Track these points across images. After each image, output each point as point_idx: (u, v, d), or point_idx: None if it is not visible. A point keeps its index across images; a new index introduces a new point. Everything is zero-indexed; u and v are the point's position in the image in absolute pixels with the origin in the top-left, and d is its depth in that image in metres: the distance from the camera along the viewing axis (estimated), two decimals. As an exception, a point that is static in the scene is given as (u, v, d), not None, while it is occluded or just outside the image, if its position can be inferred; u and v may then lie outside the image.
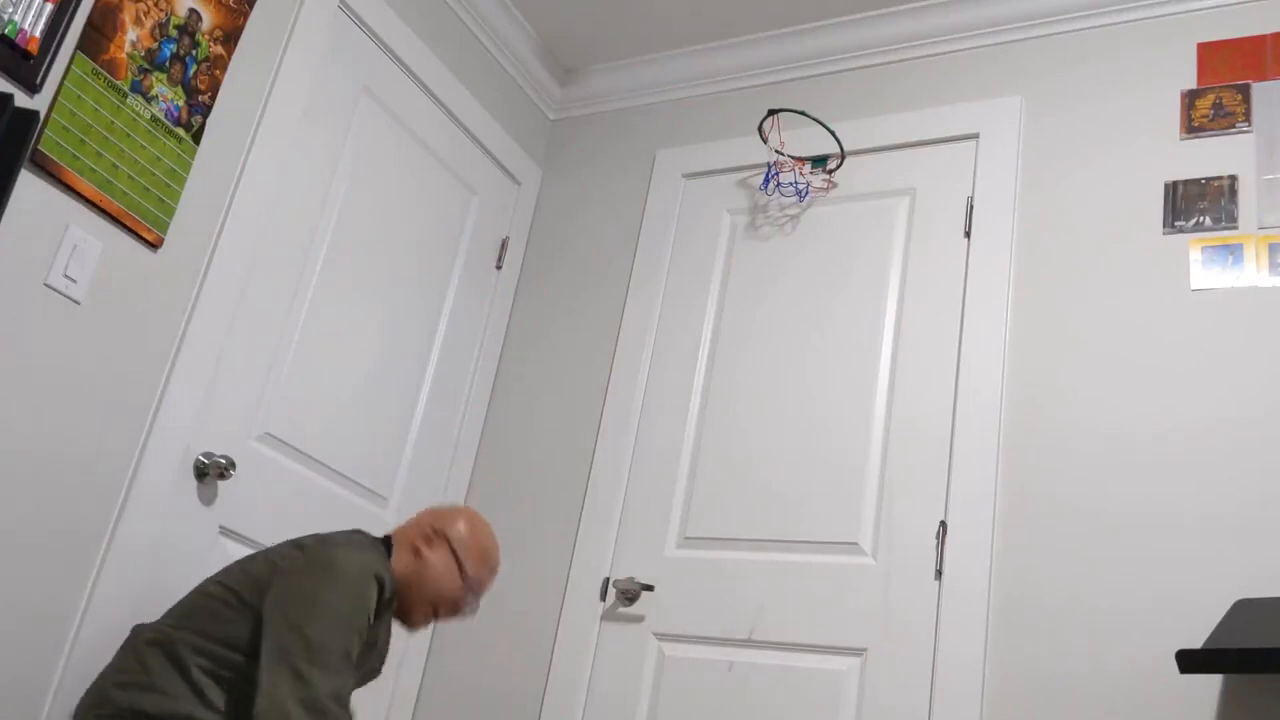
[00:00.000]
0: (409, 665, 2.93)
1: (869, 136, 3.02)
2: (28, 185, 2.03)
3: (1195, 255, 2.48)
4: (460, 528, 2.18)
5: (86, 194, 2.13)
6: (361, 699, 2.77)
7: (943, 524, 2.50)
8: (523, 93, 3.51)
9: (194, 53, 2.37)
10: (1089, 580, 2.30)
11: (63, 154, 2.09)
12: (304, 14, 2.65)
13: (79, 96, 2.12)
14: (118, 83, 2.20)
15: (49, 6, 2.06)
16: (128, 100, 2.22)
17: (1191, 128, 2.60)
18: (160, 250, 2.29)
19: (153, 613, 2.25)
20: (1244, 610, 2.07)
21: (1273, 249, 2.40)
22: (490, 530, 2.23)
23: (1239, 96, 2.58)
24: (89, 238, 2.14)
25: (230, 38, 2.46)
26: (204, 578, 2.37)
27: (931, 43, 3.07)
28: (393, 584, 2.05)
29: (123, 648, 1.97)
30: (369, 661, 2.13)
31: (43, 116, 2.04)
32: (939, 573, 2.47)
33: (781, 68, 3.27)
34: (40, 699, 2.05)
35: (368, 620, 1.95)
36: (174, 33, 2.33)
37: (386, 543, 2.18)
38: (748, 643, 2.59)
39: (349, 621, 1.91)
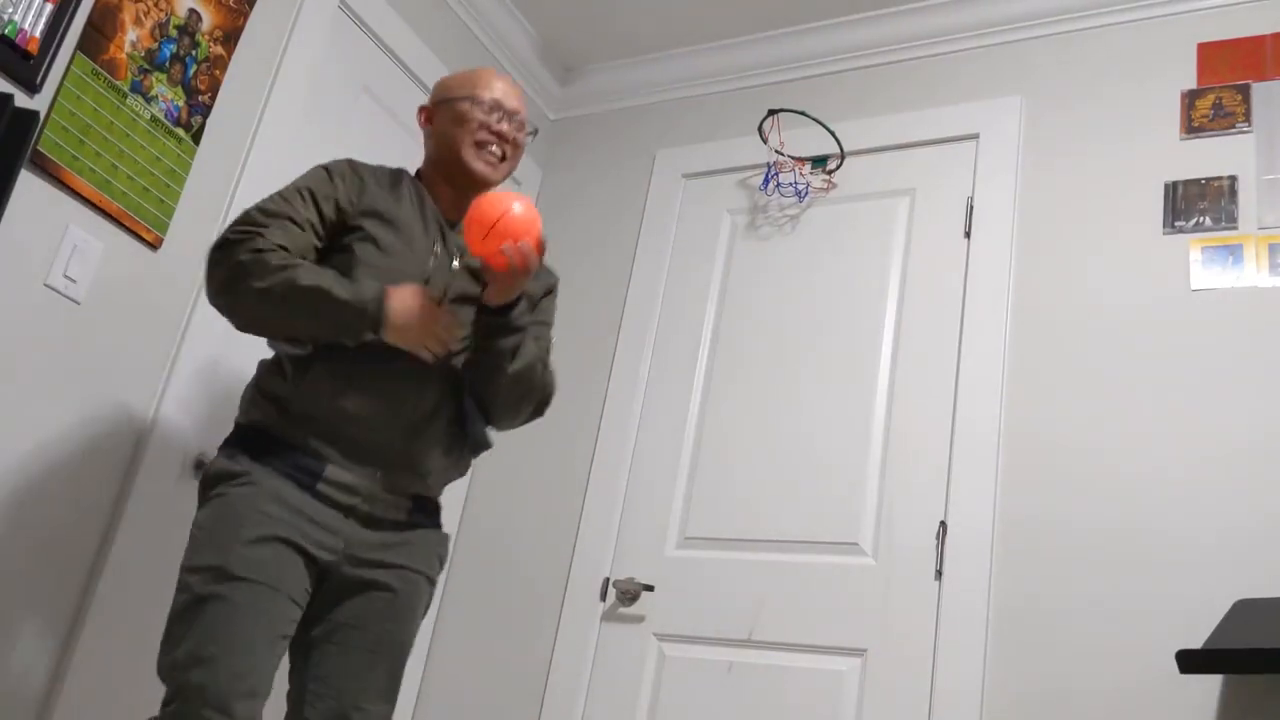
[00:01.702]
0: (409, 665, 2.92)
1: (869, 136, 3.02)
2: (28, 185, 2.03)
3: (1195, 255, 2.48)
4: (440, 82, 2.08)
5: (86, 194, 2.13)
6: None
7: (943, 524, 2.50)
8: (522, 93, 3.51)
9: (194, 53, 2.37)
10: (1089, 580, 2.30)
11: (62, 154, 2.09)
12: (304, 14, 2.65)
13: (79, 97, 2.12)
14: (118, 83, 2.20)
15: (49, 6, 2.06)
16: (128, 100, 2.22)
17: (1191, 128, 2.60)
18: (160, 250, 2.29)
19: (150, 610, 2.25)
20: (1244, 610, 2.07)
21: (1273, 249, 2.40)
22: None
23: (1239, 96, 2.58)
24: (89, 238, 2.14)
25: (230, 38, 2.46)
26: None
27: (931, 43, 3.06)
28: (387, 172, 1.97)
29: None
30: (410, 259, 1.89)
31: (43, 116, 2.04)
32: (939, 573, 2.47)
33: (781, 68, 3.27)
34: (41, 699, 2.05)
35: (328, 184, 1.88)
36: (174, 33, 2.33)
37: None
38: (747, 643, 2.59)
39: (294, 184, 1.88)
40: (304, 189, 1.86)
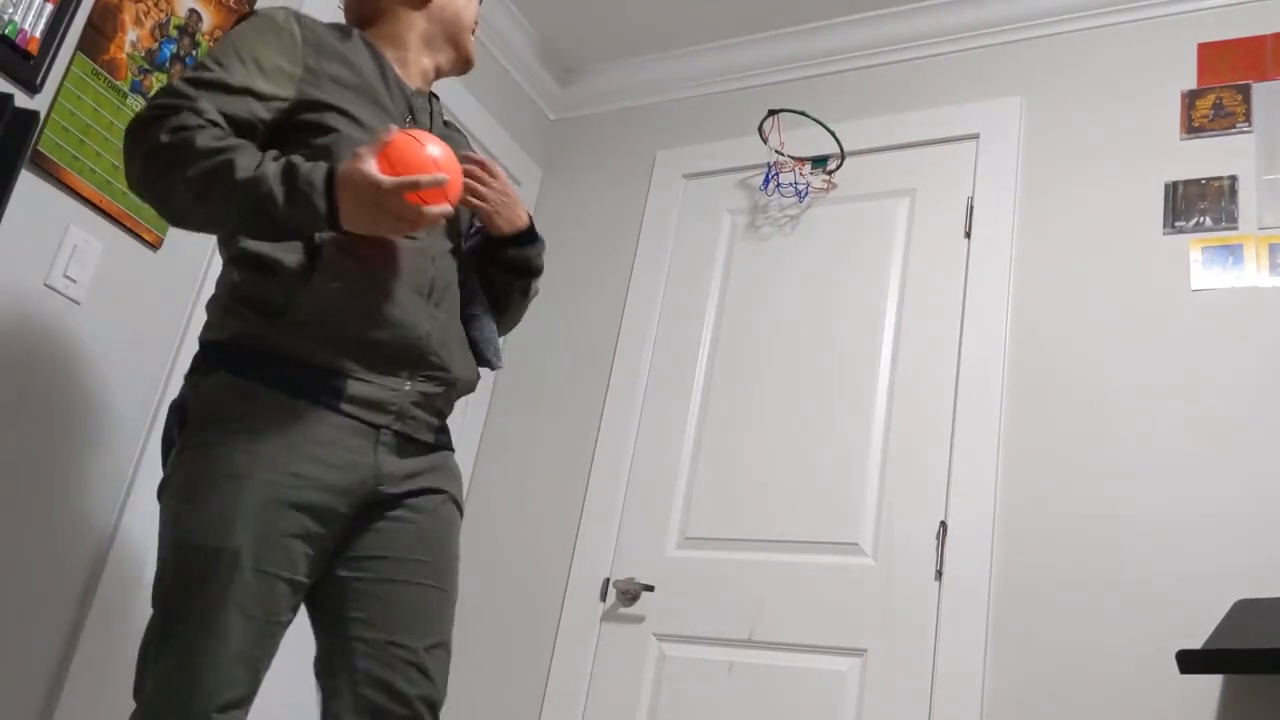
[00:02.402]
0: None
1: (869, 136, 3.02)
2: (28, 185, 2.03)
3: (1195, 255, 2.48)
4: None
5: (86, 194, 2.13)
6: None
7: (943, 524, 2.50)
8: (523, 93, 3.51)
9: (194, 53, 2.37)
10: (1089, 580, 2.30)
11: (62, 154, 2.09)
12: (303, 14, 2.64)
13: (79, 97, 2.12)
14: (118, 83, 2.20)
15: (49, 6, 2.06)
16: (128, 100, 2.22)
17: (1191, 128, 2.60)
18: (160, 250, 2.29)
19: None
20: (1244, 610, 2.07)
21: (1273, 249, 2.40)
22: None
23: (1239, 96, 2.58)
24: (89, 238, 2.14)
25: (230, 38, 2.46)
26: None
27: (931, 43, 3.06)
28: (335, 28, 1.71)
29: None
30: (363, 111, 1.62)
31: (43, 117, 2.04)
32: (939, 573, 2.47)
33: (781, 68, 3.27)
34: (43, 699, 2.05)
35: (274, 43, 1.59)
36: (174, 33, 2.33)
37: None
38: (748, 643, 2.59)
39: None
40: (243, 51, 1.56)
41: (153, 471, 2.25)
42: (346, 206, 1.44)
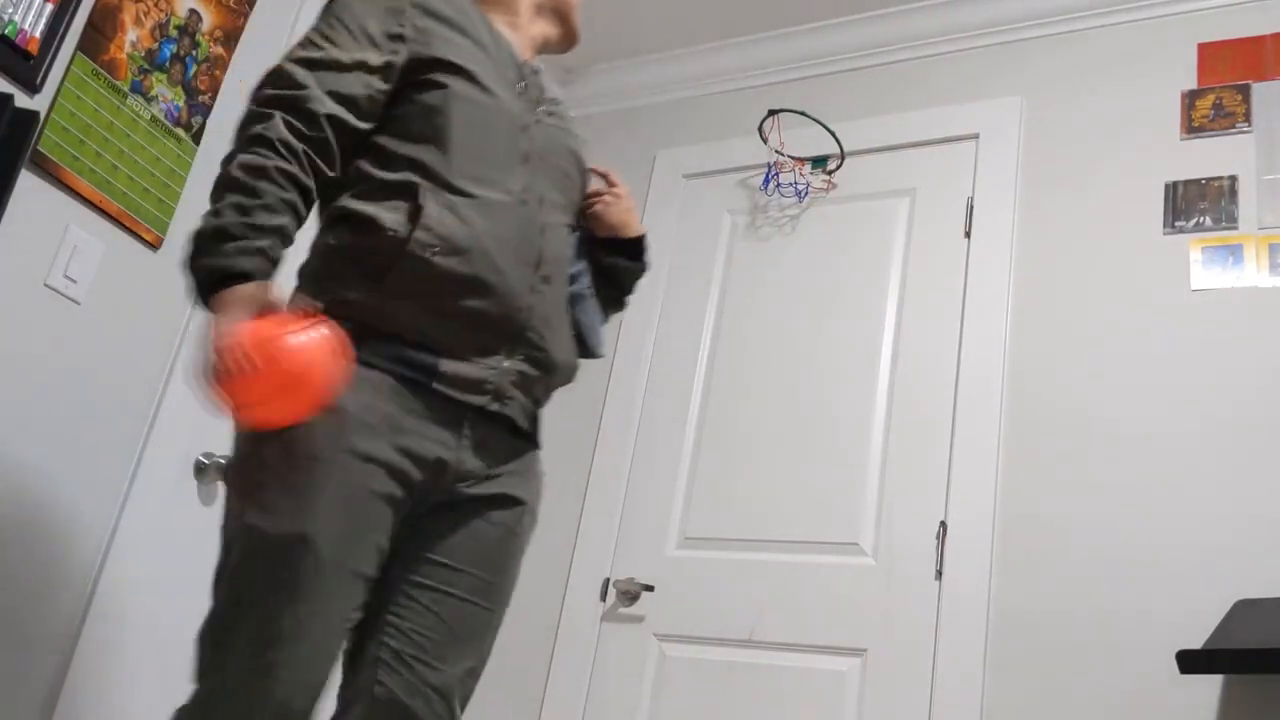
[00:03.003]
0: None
1: (869, 136, 3.02)
2: (28, 185, 2.03)
3: (1195, 255, 2.48)
4: None
5: (86, 194, 2.13)
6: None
7: (943, 524, 2.50)
8: (523, 93, 3.51)
9: (194, 53, 2.37)
10: (1089, 580, 2.30)
11: (62, 154, 2.09)
12: (304, 15, 2.64)
13: (79, 97, 2.12)
14: (118, 83, 2.20)
15: (49, 6, 2.06)
16: (128, 100, 2.22)
17: (1191, 128, 2.60)
18: (160, 250, 2.29)
19: (152, 610, 2.24)
20: (1244, 610, 2.07)
21: (1273, 249, 2.40)
22: None
23: (1239, 96, 2.58)
24: (89, 238, 2.14)
25: (230, 38, 2.46)
26: (204, 578, 2.36)
27: (931, 43, 3.06)
28: None
29: None
30: (504, 106, 1.55)
31: (43, 117, 2.04)
32: (939, 573, 2.47)
33: (781, 68, 3.27)
34: (43, 700, 2.05)
35: (367, 10, 1.50)
36: (174, 33, 2.33)
37: None
38: (748, 643, 2.59)
39: None
40: (350, 22, 1.48)
41: (153, 471, 2.25)
42: (223, 302, 1.31)
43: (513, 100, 1.56)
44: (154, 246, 2.28)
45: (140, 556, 2.22)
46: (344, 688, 1.46)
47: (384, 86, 1.48)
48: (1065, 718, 2.22)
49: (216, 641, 1.33)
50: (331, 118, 1.42)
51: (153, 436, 2.25)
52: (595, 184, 1.74)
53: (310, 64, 1.44)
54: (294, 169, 1.38)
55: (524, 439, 1.55)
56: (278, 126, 1.38)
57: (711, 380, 2.96)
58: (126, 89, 2.22)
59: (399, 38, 1.49)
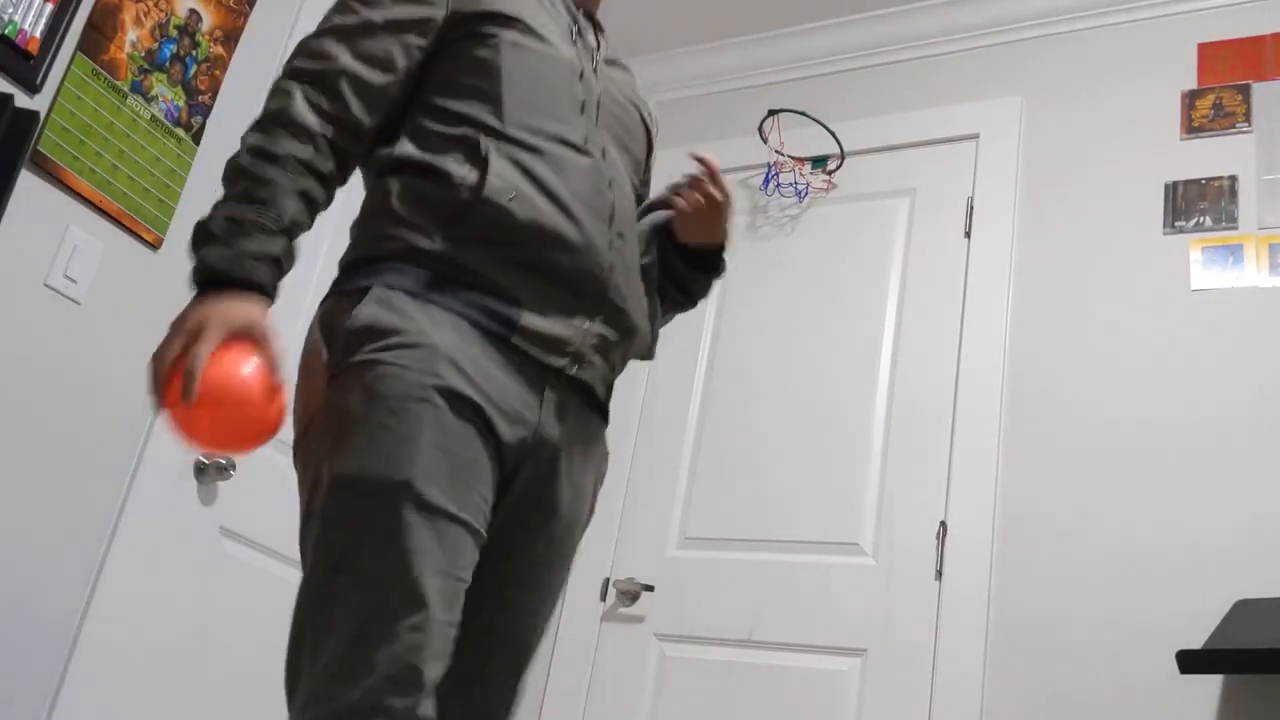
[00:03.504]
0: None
1: (869, 136, 3.02)
2: (28, 185, 2.02)
3: (1195, 255, 2.48)
4: None
5: (86, 194, 2.13)
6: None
7: (943, 524, 2.50)
8: (523, 93, 3.51)
9: (194, 53, 2.37)
10: (1089, 580, 2.30)
11: (62, 154, 2.09)
12: (304, 14, 2.64)
13: (79, 97, 2.12)
14: (118, 83, 2.20)
15: (49, 6, 2.06)
16: (128, 100, 2.22)
17: (1191, 128, 2.60)
18: (160, 250, 2.29)
19: (152, 610, 2.24)
20: (1244, 610, 2.07)
21: (1273, 249, 2.40)
22: None
23: (1239, 96, 2.58)
24: (89, 238, 2.14)
25: (230, 38, 2.46)
26: (204, 579, 2.37)
27: (931, 43, 3.06)
28: None
29: None
30: (561, 56, 1.44)
31: (43, 116, 2.04)
32: (939, 573, 2.47)
33: (781, 68, 3.27)
34: (42, 700, 2.05)
35: None
36: (174, 33, 2.33)
37: None
38: (748, 643, 2.59)
39: None
40: None
41: (152, 471, 2.25)
42: (207, 296, 1.23)
43: (567, 47, 1.45)
44: (154, 246, 2.28)
45: (140, 556, 2.22)
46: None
47: (421, 42, 1.38)
48: (1065, 718, 2.22)
49: (317, 625, 1.15)
50: (356, 83, 1.33)
51: (153, 437, 2.25)
52: (691, 172, 1.52)
53: (340, 32, 1.37)
54: (309, 154, 1.29)
55: (598, 412, 1.41)
56: (297, 105, 1.30)
57: (711, 380, 2.96)
58: (126, 89, 2.22)
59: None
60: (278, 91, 1.34)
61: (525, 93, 1.37)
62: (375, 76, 1.35)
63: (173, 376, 1.19)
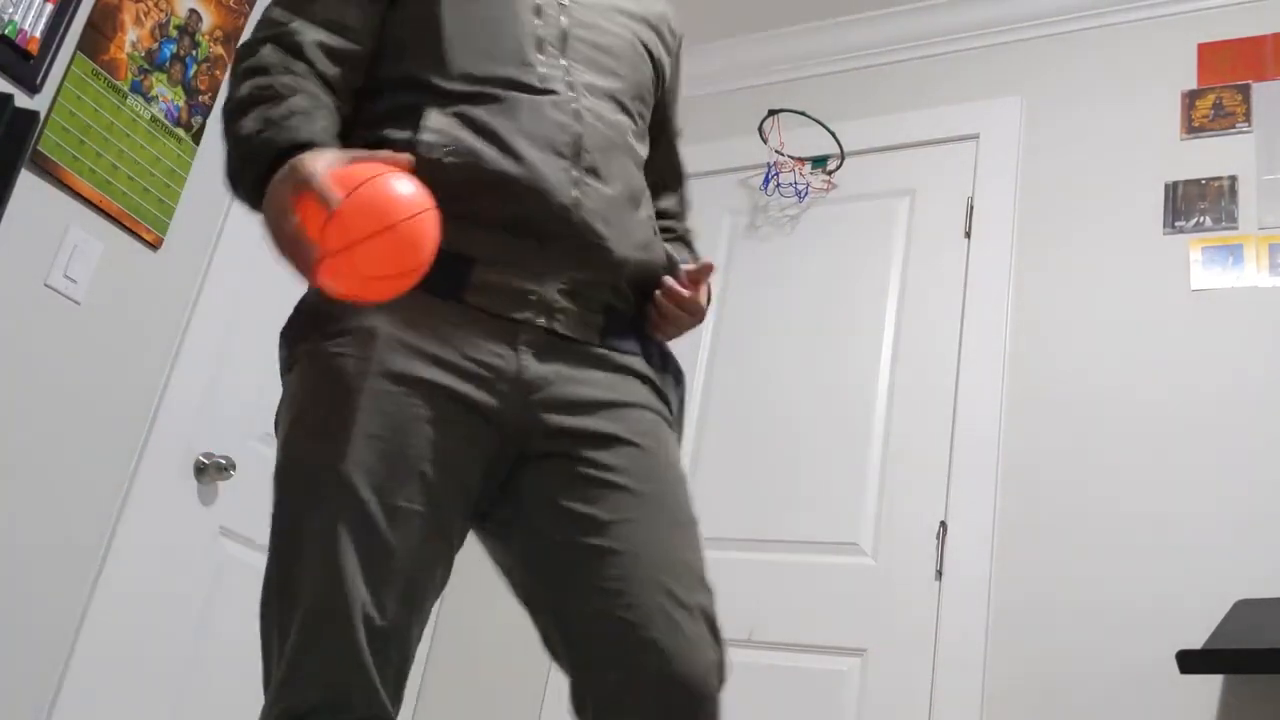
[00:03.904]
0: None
1: (869, 136, 3.02)
2: (28, 185, 2.03)
3: (1195, 255, 2.48)
4: None
5: (86, 194, 2.13)
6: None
7: (943, 524, 2.50)
8: (523, 93, 3.51)
9: (194, 53, 2.37)
10: (1089, 580, 2.30)
11: (62, 154, 2.09)
12: (304, 14, 2.65)
13: (79, 97, 2.12)
14: (118, 83, 2.20)
15: (49, 6, 2.06)
16: (128, 100, 2.22)
17: (1191, 128, 2.60)
18: (160, 250, 2.29)
19: (152, 610, 2.24)
20: (1244, 610, 2.07)
21: (1273, 249, 2.40)
22: None
23: (1239, 96, 2.58)
24: (89, 238, 2.14)
25: (230, 38, 2.46)
26: (204, 579, 2.37)
27: (931, 43, 3.06)
28: None
29: None
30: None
31: (43, 117, 2.04)
32: (939, 573, 2.47)
33: (781, 68, 3.27)
34: (42, 699, 2.05)
35: None
36: (174, 33, 2.33)
37: None
38: (748, 643, 2.58)
39: None
40: None
41: (152, 471, 2.25)
42: (275, 180, 1.12)
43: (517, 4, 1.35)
44: (154, 246, 2.28)
45: (140, 556, 2.22)
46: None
47: (376, 4, 1.34)
48: (1065, 718, 2.22)
49: (267, 623, 1.16)
50: (319, 44, 1.28)
51: (153, 436, 2.25)
52: (680, 281, 1.40)
53: (289, 2, 1.32)
54: (300, 75, 1.25)
55: (605, 348, 1.29)
56: (266, 54, 1.25)
57: (711, 380, 2.96)
58: (126, 89, 2.22)
59: None
60: (243, 52, 1.29)
61: (468, 43, 1.31)
62: (332, 39, 1.30)
63: (303, 232, 1.06)
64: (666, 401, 1.35)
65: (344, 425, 1.14)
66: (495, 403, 1.19)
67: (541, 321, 1.23)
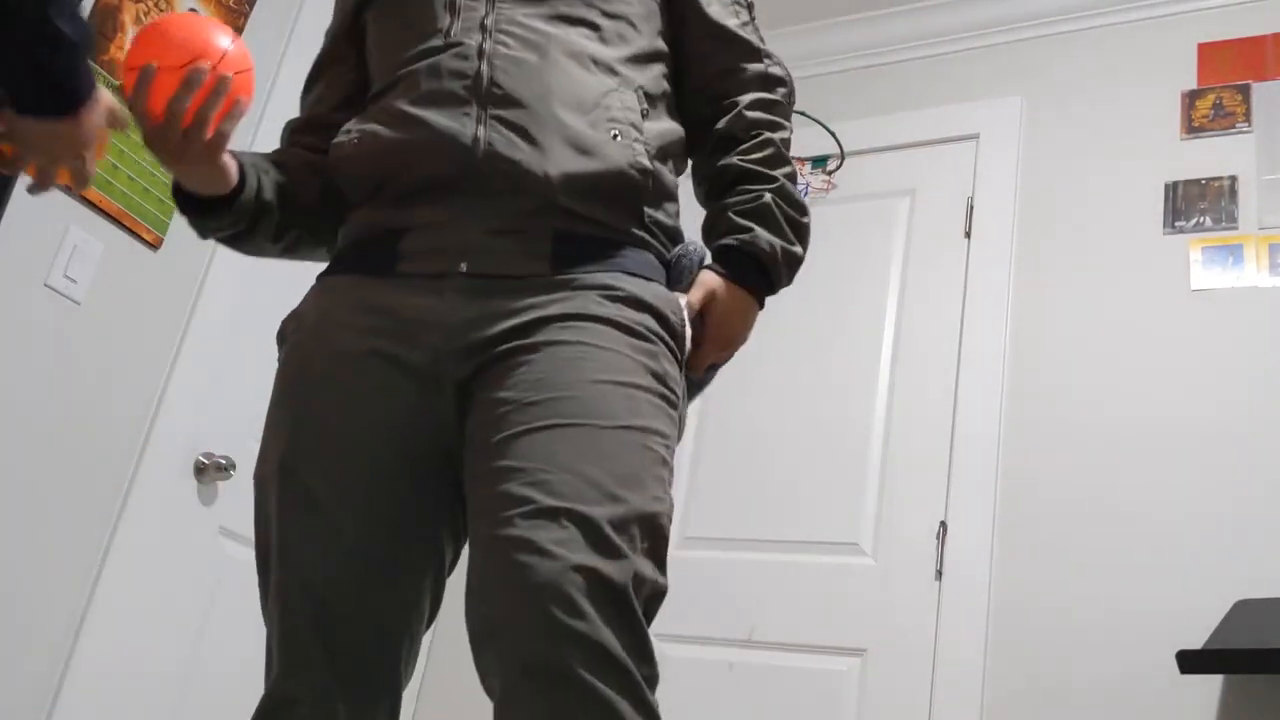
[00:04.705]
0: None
1: (869, 136, 3.02)
2: (28, 185, 2.03)
3: (1195, 255, 2.48)
4: None
5: (86, 194, 2.13)
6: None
7: (943, 524, 2.50)
8: (523, 93, 3.51)
9: (194, 53, 2.37)
10: (1089, 580, 2.30)
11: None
12: (304, 14, 2.64)
13: (79, 97, 2.12)
14: (117, 83, 2.20)
15: (49, 7, 2.06)
16: (128, 101, 2.22)
17: (1191, 128, 2.60)
18: (160, 250, 2.29)
19: (152, 610, 2.24)
20: (1244, 610, 2.07)
21: (1273, 249, 2.40)
22: None
23: (1239, 96, 2.58)
24: (89, 238, 2.14)
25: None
26: (204, 579, 2.37)
27: (931, 43, 3.06)
28: None
29: None
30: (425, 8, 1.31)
31: (43, 117, 2.04)
32: (939, 573, 2.47)
33: (781, 68, 3.27)
34: (42, 700, 2.05)
35: None
36: (174, 33, 2.33)
37: None
38: (748, 643, 2.59)
39: None
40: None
41: (153, 471, 2.25)
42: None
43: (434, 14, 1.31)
44: (154, 246, 2.28)
45: (140, 556, 2.22)
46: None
47: (350, 49, 1.39)
48: (1065, 718, 2.22)
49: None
50: (294, 126, 1.40)
51: (153, 436, 2.25)
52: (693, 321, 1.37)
53: (311, 74, 1.44)
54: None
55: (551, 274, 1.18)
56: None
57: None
58: (126, 89, 2.22)
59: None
60: None
61: (390, 46, 1.32)
62: (314, 113, 1.40)
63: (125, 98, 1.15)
64: (660, 315, 1.22)
65: (286, 414, 1.17)
66: (428, 359, 1.14)
67: (463, 267, 1.16)
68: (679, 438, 1.22)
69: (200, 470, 2.35)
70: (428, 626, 1.27)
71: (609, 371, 1.11)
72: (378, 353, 1.15)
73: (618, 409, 1.09)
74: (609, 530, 1.01)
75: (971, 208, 2.80)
